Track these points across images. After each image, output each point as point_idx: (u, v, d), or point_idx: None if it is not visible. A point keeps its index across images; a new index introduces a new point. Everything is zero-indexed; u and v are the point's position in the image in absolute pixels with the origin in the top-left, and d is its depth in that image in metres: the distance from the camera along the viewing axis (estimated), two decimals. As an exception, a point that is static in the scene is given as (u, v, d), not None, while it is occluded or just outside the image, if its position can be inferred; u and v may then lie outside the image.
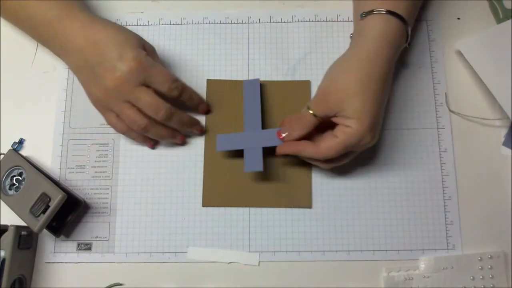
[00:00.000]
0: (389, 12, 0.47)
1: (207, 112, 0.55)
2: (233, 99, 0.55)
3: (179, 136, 0.53)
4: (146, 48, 0.50)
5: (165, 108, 0.49)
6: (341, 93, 0.46)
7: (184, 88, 0.51)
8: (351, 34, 0.52)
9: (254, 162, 0.50)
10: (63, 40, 0.50)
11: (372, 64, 0.46)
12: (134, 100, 0.48)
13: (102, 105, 0.51)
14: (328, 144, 0.46)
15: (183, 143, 0.54)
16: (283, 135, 0.49)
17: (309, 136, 0.48)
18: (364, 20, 0.49)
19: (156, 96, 0.48)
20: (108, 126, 0.55)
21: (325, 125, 0.48)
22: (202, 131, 0.54)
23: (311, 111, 0.47)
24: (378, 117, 0.46)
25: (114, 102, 0.49)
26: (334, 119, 0.47)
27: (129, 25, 0.58)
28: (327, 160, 0.48)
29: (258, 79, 0.55)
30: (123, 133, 0.52)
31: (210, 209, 0.52)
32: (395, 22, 0.48)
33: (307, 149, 0.47)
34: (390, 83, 0.49)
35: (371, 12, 0.48)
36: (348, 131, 0.45)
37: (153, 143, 0.54)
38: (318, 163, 0.49)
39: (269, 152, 0.52)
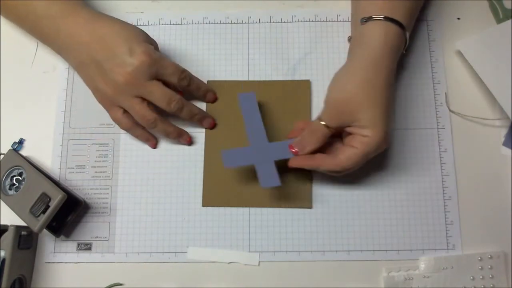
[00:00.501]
0: (387, 18, 0.47)
1: (214, 100, 0.55)
2: (233, 99, 0.55)
3: (185, 136, 0.53)
4: (151, 43, 0.51)
5: (176, 99, 0.50)
6: (353, 104, 0.45)
7: (191, 78, 0.52)
8: (349, 37, 0.51)
9: (269, 177, 0.48)
10: (66, 36, 0.50)
11: (378, 72, 0.46)
12: (146, 94, 0.49)
13: (109, 101, 0.51)
14: (347, 155, 0.46)
15: (189, 143, 0.54)
16: (296, 149, 0.48)
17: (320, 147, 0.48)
18: (364, 26, 0.49)
19: (167, 88, 0.49)
20: (108, 125, 0.55)
21: (334, 134, 0.48)
22: (212, 126, 0.54)
23: (323, 122, 0.47)
24: (390, 123, 0.46)
25: (124, 97, 0.49)
26: (348, 129, 0.47)
27: (129, 25, 0.58)
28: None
29: (253, 93, 0.53)
30: (127, 130, 0.52)
31: (210, 209, 0.52)
32: (395, 29, 0.48)
33: (325, 163, 0.47)
34: (394, 88, 0.49)
35: (370, 18, 0.48)
36: (366, 140, 0.45)
37: (156, 142, 0.54)
38: (331, 173, 0.48)
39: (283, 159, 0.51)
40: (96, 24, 0.49)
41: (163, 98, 0.49)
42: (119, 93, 0.49)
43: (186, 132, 0.53)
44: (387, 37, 0.47)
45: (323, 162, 0.47)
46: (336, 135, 0.49)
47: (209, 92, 0.54)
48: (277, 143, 0.50)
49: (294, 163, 0.48)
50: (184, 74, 0.51)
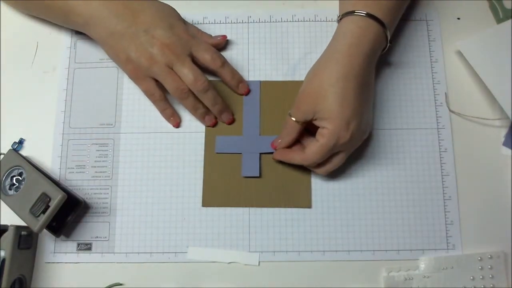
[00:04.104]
0: (369, 15, 0.47)
1: (247, 93, 0.55)
2: (233, 99, 0.55)
3: (211, 116, 0.53)
4: (184, 22, 0.54)
5: (203, 79, 0.50)
6: (314, 96, 0.46)
7: (225, 61, 0.52)
8: None
9: (251, 167, 0.52)
10: (98, 6, 0.50)
11: (341, 64, 0.46)
12: (177, 67, 0.50)
13: (142, 71, 0.51)
14: (311, 149, 0.47)
15: (214, 125, 0.54)
16: (275, 144, 0.51)
17: (302, 140, 0.50)
18: (344, 19, 0.49)
19: (196, 67, 0.50)
20: (108, 125, 0.55)
21: (315, 128, 0.48)
22: (230, 121, 0.54)
23: (293, 118, 0.48)
24: (353, 114, 0.46)
25: (158, 67, 0.50)
26: (314, 122, 0.47)
27: (129, 25, 0.58)
28: (319, 165, 0.49)
29: (259, 81, 0.55)
30: (156, 102, 0.53)
31: (210, 209, 0.52)
32: (375, 26, 0.48)
33: (295, 157, 0.49)
34: (368, 81, 0.48)
35: (352, 12, 0.48)
36: (324, 132, 0.46)
37: (179, 121, 0.54)
38: (313, 169, 0.50)
39: (269, 153, 0.52)
40: None
41: (191, 74, 0.50)
42: (154, 63, 0.50)
43: (213, 114, 0.54)
44: (364, 31, 0.47)
45: (294, 156, 0.49)
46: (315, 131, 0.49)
47: (243, 83, 0.54)
48: (266, 137, 0.53)
49: (275, 156, 0.52)
50: (218, 54, 0.52)
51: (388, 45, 0.50)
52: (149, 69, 0.50)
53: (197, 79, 0.50)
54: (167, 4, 0.53)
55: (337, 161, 0.49)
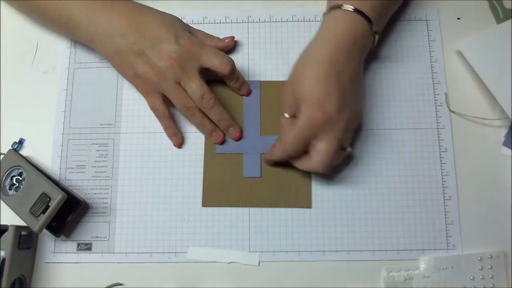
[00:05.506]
0: (356, 10, 0.47)
1: (248, 93, 0.55)
2: (233, 100, 0.55)
3: (219, 133, 0.53)
4: (190, 31, 0.53)
5: (209, 96, 0.50)
6: (292, 85, 0.47)
7: (234, 64, 0.52)
8: None
9: (252, 168, 0.52)
10: (102, 24, 0.50)
11: (315, 52, 0.47)
12: (185, 82, 0.49)
13: (151, 86, 0.51)
14: (287, 134, 0.47)
15: (221, 143, 0.53)
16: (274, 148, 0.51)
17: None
18: (330, 13, 0.49)
19: (205, 84, 0.50)
20: (108, 125, 0.55)
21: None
22: (238, 138, 0.53)
23: (286, 114, 0.48)
24: (326, 94, 0.45)
25: (167, 82, 0.50)
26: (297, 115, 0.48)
27: (129, 25, 0.58)
28: (310, 157, 0.48)
29: (259, 81, 0.55)
30: (161, 119, 0.53)
31: (210, 209, 0.52)
32: (361, 21, 0.48)
33: (276, 152, 0.49)
34: (350, 70, 0.47)
35: (339, 7, 0.48)
36: (299, 115, 0.46)
37: (181, 142, 0.54)
38: (312, 170, 0.49)
39: (269, 152, 0.52)
40: (134, 13, 0.50)
41: (198, 91, 0.49)
42: (163, 78, 0.49)
43: (221, 131, 0.53)
44: (344, 23, 0.47)
45: (273, 150, 0.50)
46: None
47: (245, 84, 0.54)
48: (267, 136, 0.53)
49: (265, 160, 0.52)
50: (227, 58, 0.51)
51: (376, 37, 0.50)
52: (158, 84, 0.50)
53: (204, 96, 0.50)
54: (171, 15, 0.53)
55: (322, 148, 0.46)
